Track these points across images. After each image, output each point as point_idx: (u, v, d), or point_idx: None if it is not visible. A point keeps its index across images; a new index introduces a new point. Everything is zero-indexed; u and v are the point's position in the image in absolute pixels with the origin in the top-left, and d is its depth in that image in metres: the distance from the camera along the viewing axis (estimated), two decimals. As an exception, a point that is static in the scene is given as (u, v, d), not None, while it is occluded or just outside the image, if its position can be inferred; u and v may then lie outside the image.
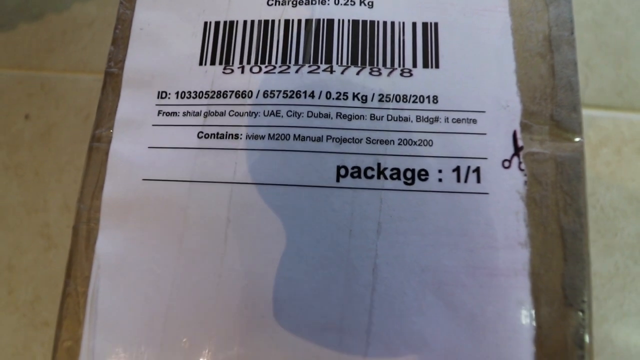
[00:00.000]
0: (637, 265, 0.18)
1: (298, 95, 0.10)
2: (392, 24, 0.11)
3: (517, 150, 0.10)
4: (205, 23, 0.11)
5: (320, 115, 0.10)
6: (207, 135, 0.10)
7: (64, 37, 0.22)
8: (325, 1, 0.11)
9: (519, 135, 0.10)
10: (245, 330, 0.09)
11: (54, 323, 0.10)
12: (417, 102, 0.10)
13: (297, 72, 0.10)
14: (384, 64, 0.10)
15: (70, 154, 0.21)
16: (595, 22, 0.21)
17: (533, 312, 0.09)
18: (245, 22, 0.11)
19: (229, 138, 0.10)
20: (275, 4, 0.11)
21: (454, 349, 0.09)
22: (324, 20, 0.11)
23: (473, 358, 0.09)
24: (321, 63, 0.10)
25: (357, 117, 0.10)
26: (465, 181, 0.10)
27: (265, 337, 0.09)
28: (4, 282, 0.20)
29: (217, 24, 0.11)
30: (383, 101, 0.10)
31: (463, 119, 0.10)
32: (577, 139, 0.10)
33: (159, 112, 0.11)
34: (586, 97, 0.20)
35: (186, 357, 0.09)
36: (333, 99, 0.10)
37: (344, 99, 0.10)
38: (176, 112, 0.11)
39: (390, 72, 0.10)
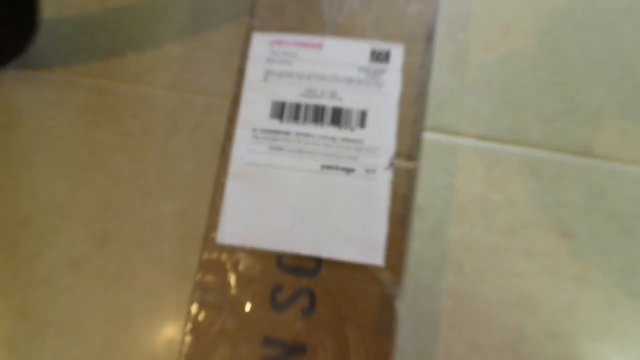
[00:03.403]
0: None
1: (307, 135, 0.25)
2: (349, 109, 0.26)
3: (391, 164, 0.25)
4: (273, 102, 0.26)
5: (315, 143, 0.25)
6: (274, 147, 0.25)
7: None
8: (322, 96, 0.26)
9: (393, 158, 0.25)
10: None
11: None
12: (355, 142, 0.25)
13: (306, 125, 0.25)
14: (344, 126, 0.25)
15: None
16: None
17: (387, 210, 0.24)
18: (288, 103, 0.26)
19: (280, 150, 0.25)
20: (308, 96, 0.26)
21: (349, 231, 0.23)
22: (321, 106, 0.26)
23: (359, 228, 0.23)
24: (318, 122, 0.25)
25: (329, 145, 0.25)
26: (372, 174, 0.24)
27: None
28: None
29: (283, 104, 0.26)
30: (343, 140, 0.25)
31: (371, 149, 0.25)
32: (416, 161, 0.25)
33: (254, 137, 0.25)
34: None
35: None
36: (321, 137, 0.25)
37: (329, 138, 0.25)
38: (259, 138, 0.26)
39: (346, 128, 0.25)
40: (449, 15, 0.37)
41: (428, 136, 0.35)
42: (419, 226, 0.33)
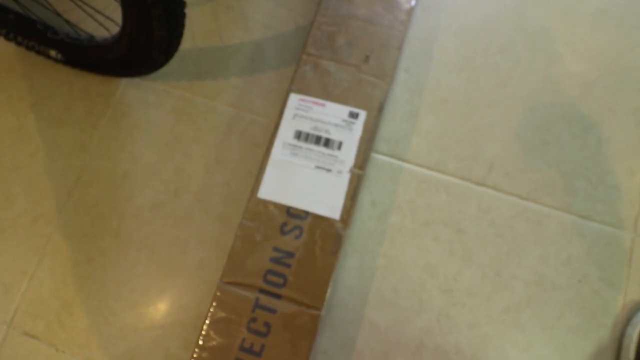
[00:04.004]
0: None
1: (310, 149, 0.46)
2: (333, 140, 0.46)
3: (350, 170, 0.45)
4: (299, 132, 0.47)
5: (314, 154, 0.46)
6: (293, 153, 0.46)
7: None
8: (320, 131, 0.47)
9: (352, 167, 0.46)
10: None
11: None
12: (334, 157, 0.46)
13: (310, 145, 0.46)
14: (330, 148, 0.46)
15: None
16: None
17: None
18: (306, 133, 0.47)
19: (296, 155, 0.46)
20: (314, 130, 0.47)
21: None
22: (319, 136, 0.47)
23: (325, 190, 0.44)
24: (317, 144, 0.46)
25: (321, 157, 0.46)
26: (340, 174, 0.45)
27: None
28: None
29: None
30: (328, 155, 0.46)
31: (341, 161, 0.46)
32: (363, 170, 0.45)
33: (283, 147, 0.46)
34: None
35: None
36: (317, 152, 0.46)
37: (321, 153, 0.46)
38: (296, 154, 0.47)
39: (331, 149, 0.46)
40: (410, 86, 0.58)
41: (385, 159, 0.56)
42: (373, 212, 0.54)
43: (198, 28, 0.62)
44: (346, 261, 0.53)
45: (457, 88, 0.59)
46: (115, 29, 0.51)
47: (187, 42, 0.61)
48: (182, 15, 0.43)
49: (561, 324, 0.52)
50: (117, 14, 0.48)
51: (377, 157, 0.56)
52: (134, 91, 0.61)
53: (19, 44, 0.59)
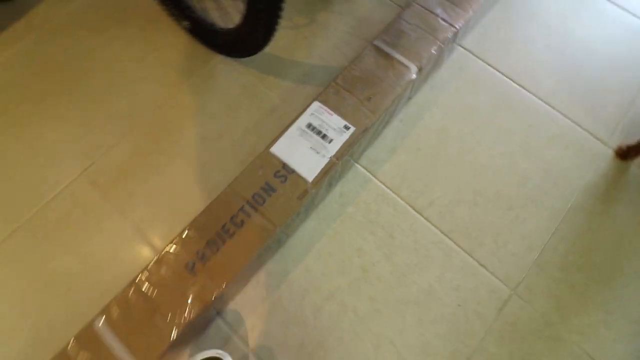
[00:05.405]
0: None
1: (311, 137, 0.70)
2: (330, 137, 0.71)
3: (334, 158, 0.69)
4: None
5: (315, 140, 0.70)
6: (301, 135, 0.71)
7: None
8: (322, 129, 0.72)
9: (333, 157, 0.69)
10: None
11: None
12: (326, 148, 0.70)
13: (314, 135, 0.71)
14: (326, 141, 0.70)
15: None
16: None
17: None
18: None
19: (303, 137, 0.71)
20: (319, 127, 0.72)
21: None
22: (321, 131, 0.71)
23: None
24: (318, 135, 0.71)
25: (318, 144, 0.70)
26: (328, 159, 0.69)
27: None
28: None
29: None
30: (322, 144, 0.70)
31: (332, 150, 0.70)
32: (340, 161, 0.69)
33: (297, 130, 0.71)
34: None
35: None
36: (317, 140, 0.70)
37: (319, 142, 0.70)
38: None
39: (326, 142, 0.70)
40: (399, 131, 0.83)
41: (362, 170, 0.79)
42: (339, 199, 0.77)
43: (279, 41, 0.90)
44: (307, 222, 0.75)
45: (430, 144, 0.82)
46: (225, 21, 0.79)
47: (269, 48, 0.90)
48: (276, 25, 0.70)
49: (432, 328, 0.71)
50: (224, 18, 0.77)
51: (357, 166, 0.80)
52: (223, 65, 0.89)
53: (165, 5, 0.89)
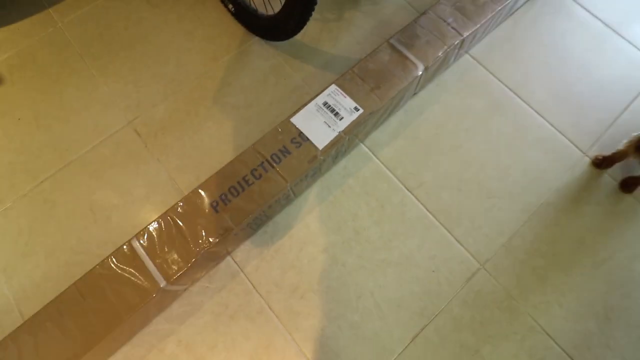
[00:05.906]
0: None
1: (326, 113, 0.83)
2: (342, 115, 0.83)
3: (342, 132, 0.82)
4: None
5: (329, 116, 0.83)
6: (318, 110, 0.84)
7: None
8: (336, 108, 0.84)
9: (342, 132, 0.82)
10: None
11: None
12: (338, 123, 0.83)
13: (328, 113, 0.84)
14: (337, 118, 0.83)
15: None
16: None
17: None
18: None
19: (318, 112, 0.83)
20: (334, 106, 0.85)
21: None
22: (334, 110, 0.84)
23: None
24: (332, 113, 0.84)
25: (332, 120, 0.83)
26: (336, 131, 0.81)
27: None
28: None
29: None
30: (334, 120, 0.83)
31: (341, 125, 0.83)
32: (347, 136, 0.82)
33: (314, 106, 0.84)
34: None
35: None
36: (330, 117, 0.83)
37: (332, 118, 0.83)
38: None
39: (337, 119, 0.83)
40: (402, 120, 0.95)
41: (365, 149, 0.92)
42: (343, 171, 0.89)
43: (308, 32, 1.03)
44: (313, 187, 0.88)
45: (428, 135, 0.95)
46: (266, 9, 0.92)
47: (299, 36, 1.03)
48: (309, 17, 0.83)
49: (408, 287, 0.83)
50: (265, 6, 0.90)
51: (362, 145, 0.92)
52: (257, 46, 1.02)
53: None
